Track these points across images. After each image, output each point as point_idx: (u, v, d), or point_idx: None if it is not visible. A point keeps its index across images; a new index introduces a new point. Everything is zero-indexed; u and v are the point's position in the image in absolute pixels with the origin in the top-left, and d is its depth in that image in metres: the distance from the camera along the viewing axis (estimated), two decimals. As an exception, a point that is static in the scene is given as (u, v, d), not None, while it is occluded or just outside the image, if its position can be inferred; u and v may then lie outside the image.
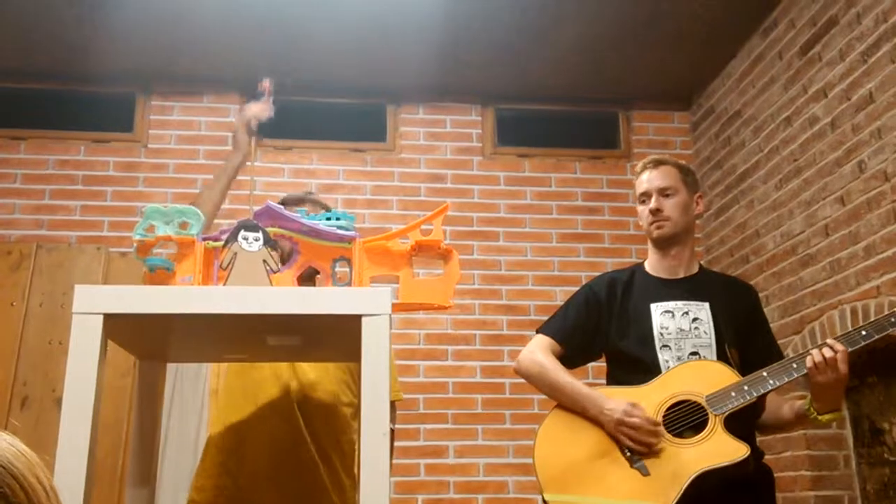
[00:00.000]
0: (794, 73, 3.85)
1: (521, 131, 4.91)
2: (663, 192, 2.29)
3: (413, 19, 4.08)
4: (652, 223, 2.30)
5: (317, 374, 2.14)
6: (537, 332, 2.33)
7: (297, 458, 2.06)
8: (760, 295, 4.02)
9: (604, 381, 2.29)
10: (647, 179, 2.32)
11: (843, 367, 1.97)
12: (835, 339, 2.00)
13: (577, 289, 2.42)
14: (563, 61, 4.48)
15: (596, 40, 4.28)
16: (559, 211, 4.70)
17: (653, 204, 2.29)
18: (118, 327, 1.39)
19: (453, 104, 4.84)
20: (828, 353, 1.97)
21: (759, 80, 4.17)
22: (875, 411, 3.49)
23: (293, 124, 4.75)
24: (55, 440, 1.28)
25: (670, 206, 2.28)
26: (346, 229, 1.53)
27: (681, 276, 2.32)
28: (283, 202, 2.21)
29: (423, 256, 1.57)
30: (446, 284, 1.56)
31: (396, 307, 1.49)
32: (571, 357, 2.28)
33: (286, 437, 2.06)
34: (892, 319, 2.00)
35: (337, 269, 1.52)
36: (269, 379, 2.10)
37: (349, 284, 1.49)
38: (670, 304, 2.23)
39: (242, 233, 1.47)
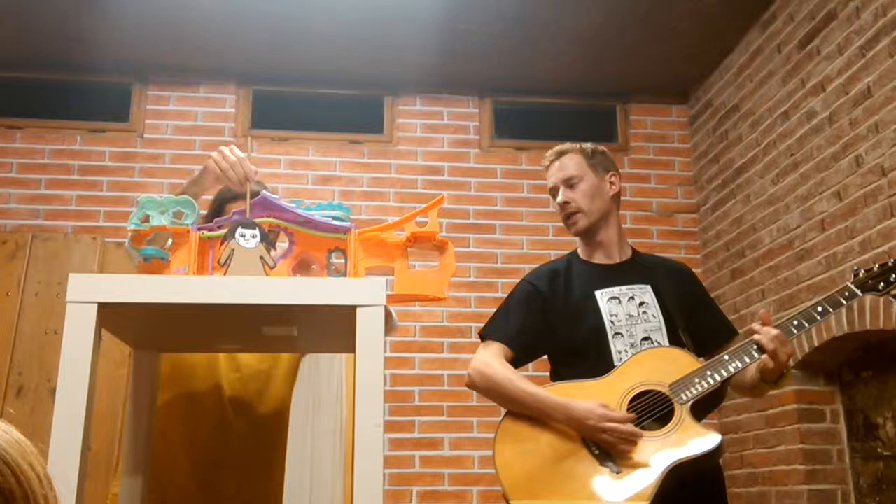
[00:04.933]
0: (793, 68, 3.85)
1: (519, 124, 4.91)
2: (568, 183, 2.23)
3: (411, 11, 4.07)
4: (565, 218, 2.24)
5: (264, 367, 2.07)
6: (482, 336, 2.22)
7: (229, 466, 1.98)
8: (756, 289, 4.05)
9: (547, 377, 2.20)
10: (551, 173, 2.27)
11: (791, 348, 1.96)
12: (773, 327, 1.97)
13: None
14: (561, 54, 4.48)
15: (594, 33, 4.27)
16: (556, 204, 4.69)
17: (560, 197, 2.24)
18: (112, 316, 1.39)
19: (451, 96, 4.83)
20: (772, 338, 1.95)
21: (757, 74, 4.17)
22: (869, 406, 3.50)
23: (290, 115, 4.75)
24: (50, 429, 1.28)
25: (577, 196, 2.22)
26: (342, 220, 1.53)
27: (616, 260, 2.24)
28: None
29: (419, 248, 1.56)
30: (441, 276, 1.55)
31: (391, 298, 1.49)
32: (519, 359, 2.18)
33: (219, 445, 1.99)
34: (819, 308, 2.00)
35: (332, 260, 1.51)
36: (203, 374, 2.02)
37: (344, 275, 1.49)
38: (615, 290, 2.16)
39: (240, 230, 1.47)
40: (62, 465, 1.25)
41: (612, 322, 2.11)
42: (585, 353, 2.10)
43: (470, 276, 4.52)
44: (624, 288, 2.16)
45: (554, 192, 2.27)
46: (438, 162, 4.73)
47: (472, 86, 4.82)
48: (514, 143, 4.83)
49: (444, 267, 1.56)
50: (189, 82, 4.66)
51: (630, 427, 1.91)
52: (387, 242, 1.54)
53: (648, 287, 2.16)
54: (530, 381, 2.04)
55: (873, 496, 3.44)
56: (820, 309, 2.00)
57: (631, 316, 2.12)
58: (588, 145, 2.31)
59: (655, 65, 4.61)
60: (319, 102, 4.81)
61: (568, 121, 4.95)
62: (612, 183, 2.27)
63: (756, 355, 1.97)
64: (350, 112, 4.82)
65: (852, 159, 3.37)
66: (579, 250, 2.31)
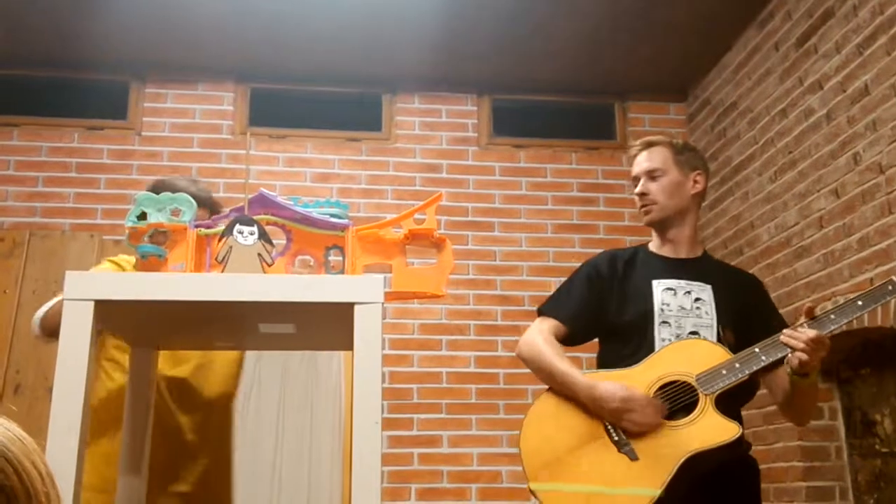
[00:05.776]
0: (790, 65, 3.85)
1: (517, 122, 4.90)
2: (650, 175, 2.24)
3: (410, 8, 4.07)
4: (640, 208, 2.27)
5: (203, 361, 2.11)
6: (539, 311, 2.27)
7: (179, 458, 2.02)
8: (754, 287, 4.04)
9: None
10: (637, 162, 2.29)
11: (827, 346, 1.95)
12: (808, 325, 1.96)
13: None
14: (559, 52, 4.47)
15: (592, 31, 4.27)
16: (554, 202, 4.69)
17: (639, 188, 2.26)
18: (109, 314, 1.38)
19: (449, 94, 4.82)
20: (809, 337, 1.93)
21: (754, 72, 4.17)
22: (867, 403, 3.50)
23: (288, 113, 4.74)
24: (47, 427, 1.27)
25: (656, 190, 2.23)
26: (340, 217, 1.53)
27: (683, 256, 2.25)
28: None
29: (417, 245, 1.56)
30: (440, 273, 1.56)
31: (389, 296, 1.49)
32: (575, 336, 2.23)
33: (165, 437, 2.00)
34: (859, 302, 1.98)
35: (330, 257, 1.51)
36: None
37: (342, 273, 1.49)
38: (673, 282, 2.17)
39: (238, 227, 1.47)
40: (59, 463, 1.25)
41: (661, 310, 2.13)
42: (630, 336, 2.14)
43: (468, 274, 4.52)
44: (683, 282, 2.17)
45: (635, 181, 2.28)
46: (437, 160, 4.73)
47: (471, 84, 4.81)
48: (513, 141, 4.83)
49: (443, 264, 1.56)
50: (187, 80, 4.65)
51: (650, 415, 1.94)
52: (385, 240, 1.54)
53: (709, 287, 2.17)
54: (567, 360, 2.10)
55: (871, 493, 3.45)
56: (860, 303, 1.98)
57: (683, 308, 2.13)
58: (679, 141, 2.33)
59: (653, 63, 4.60)
60: (317, 100, 4.80)
61: (566, 119, 4.95)
62: (696, 181, 2.27)
63: (787, 349, 1.97)
64: (348, 110, 4.81)
65: (850, 157, 3.37)
66: (650, 242, 2.33)
